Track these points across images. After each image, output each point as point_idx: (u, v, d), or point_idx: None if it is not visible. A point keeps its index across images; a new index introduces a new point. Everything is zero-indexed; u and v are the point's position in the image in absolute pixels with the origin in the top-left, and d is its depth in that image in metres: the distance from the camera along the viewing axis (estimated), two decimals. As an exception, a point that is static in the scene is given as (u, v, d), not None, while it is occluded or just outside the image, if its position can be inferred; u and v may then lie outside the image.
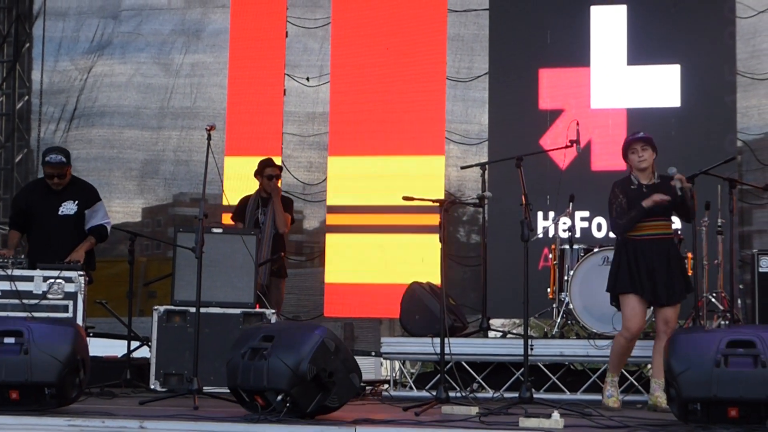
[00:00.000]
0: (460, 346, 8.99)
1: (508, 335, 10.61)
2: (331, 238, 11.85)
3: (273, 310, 9.20)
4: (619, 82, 11.38)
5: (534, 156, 9.86)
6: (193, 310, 8.21)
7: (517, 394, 7.68)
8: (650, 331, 8.76)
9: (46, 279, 8.57)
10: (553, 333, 9.51)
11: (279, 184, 10.32)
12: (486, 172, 10.14)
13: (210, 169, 8.43)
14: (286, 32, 12.28)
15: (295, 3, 12.38)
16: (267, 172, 10.22)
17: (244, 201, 10.32)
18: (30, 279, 8.59)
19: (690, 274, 9.17)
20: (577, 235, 10.42)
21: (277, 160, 11.85)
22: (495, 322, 10.79)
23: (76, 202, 9.30)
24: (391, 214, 11.50)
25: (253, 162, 11.77)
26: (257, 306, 9.18)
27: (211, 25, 12.76)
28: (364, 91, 11.96)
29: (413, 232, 11.24)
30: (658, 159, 7.99)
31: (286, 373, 6.39)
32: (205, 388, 7.66)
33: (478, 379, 9.13)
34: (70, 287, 8.59)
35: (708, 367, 6.03)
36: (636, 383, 8.81)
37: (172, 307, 9.10)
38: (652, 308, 8.15)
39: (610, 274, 8.05)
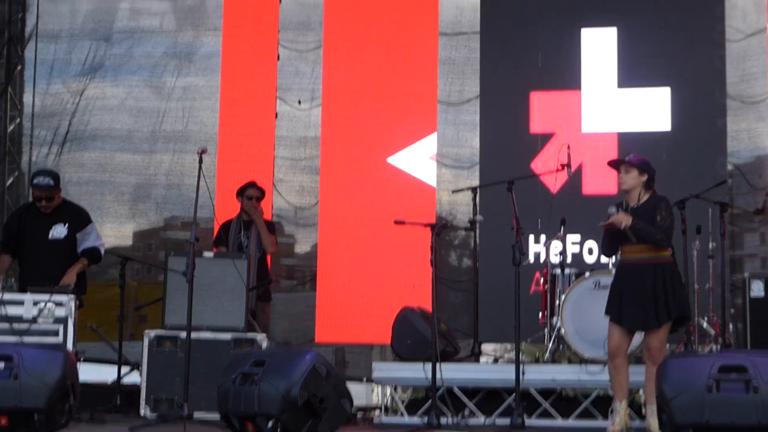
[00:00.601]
0: (452, 372, 8.94)
1: (500, 360, 10.58)
2: (323, 263, 11.82)
3: (264, 335, 9.17)
4: (609, 106, 11.37)
5: (525, 180, 9.85)
6: (183, 334, 8.18)
7: (509, 421, 7.68)
8: (642, 355, 8.72)
9: (36, 303, 8.55)
10: (545, 358, 9.47)
11: (268, 207, 10.33)
12: (477, 195, 10.15)
13: (201, 193, 8.44)
14: (278, 55, 12.28)
15: (287, 26, 12.38)
16: (248, 193, 10.22)
17: (226, 226, 10.27)
18: (20, 303, 8.57)
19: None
20: (569, 259, 10.41)
21: (269, 184, 11.87)
22: (487, 347, 10.76)
23: (67, 225, 9.30)
24: (383, 237, 11.48)
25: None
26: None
27: (203, 48, 12.75)
28: (356, 115, 11.95)
29: (405, 255, 11.21)
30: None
31: (277, 398, 6.39)
32: (195, 413, 7.64)
33: (470, 405, 9.08)
34: (60, 311, 8.56)
35: (700, 393, 6.04)
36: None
37: (163, 332, 9.07)
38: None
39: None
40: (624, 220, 7.67)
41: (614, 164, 8.07)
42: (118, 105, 12.89)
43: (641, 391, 8.49)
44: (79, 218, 9.43)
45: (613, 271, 8.37)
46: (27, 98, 13.08)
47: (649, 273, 7.75)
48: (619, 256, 8.05)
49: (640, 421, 8.15)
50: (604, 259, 10.45)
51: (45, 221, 9.32)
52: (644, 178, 7.87)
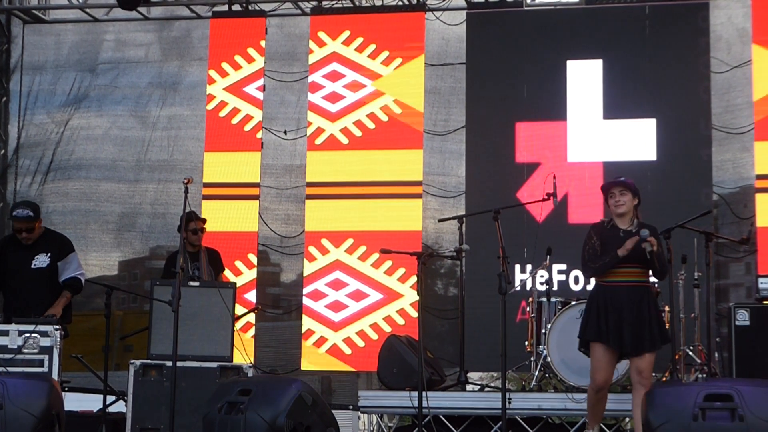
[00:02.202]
0: (438, 400, 8.95)
1: (486, 388, 10.58)
2: (308, 291, 11.83)
3: (250, 364, 9.17)
4: (595, 136, 11.45)
5: (511, 209, 9.90)
6: (169, 363, 8.17)
7: (495, 448, 7.69)
8: (628, 384, 8.75)
9: (21, 333, 8.52)
10: (531, 386, 9.50)
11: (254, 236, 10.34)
12: (463, 224, 10.19)
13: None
14: (264, 85, 12.32)
15: (273, 57, 12.44)
16: (191, 226, 10.16)
17: (172, 258, 10.28)
18: (5, 333, 8.53)
19: (667, 326, 9.20)
20: (555, 288, 10.48)
21: (254, 213, 11.90)
22: (473, 375, 10.78)
23: (49, 254, 9.28)
24: (368, 265, 11.51)
25: (232, 215, 11.84)
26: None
27: (188, 78, 12.80)
28: (342, 144, 11.98)
29: (391, 284, 11.24)
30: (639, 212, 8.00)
31: (263, 427, 6.39)
32: (181, 442, 7.63)
33: (456, 433, 9.11)
34: (45, 341, 8.54)
35: (686, 421, 6.06)
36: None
37: (149, 361, 9.04)
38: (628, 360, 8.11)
39: (582, 319, 8.00)
40: (655, 243, 7.68)
41: (607, 187, 8.05)
42: (102, 135, 12.92)
43: (627, 420, 8.53)
44: (60, 247, 9.42)
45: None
46: (12, 130, 13.09)
47: (640, 296, 7.77)
48: (599, 278, 7.96)
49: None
50: (589, 287, 10.52)
51: (27, 251, 9.30)
52: (636, 201, 7.90)
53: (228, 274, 11.05)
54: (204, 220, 10.39)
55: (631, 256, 7.72)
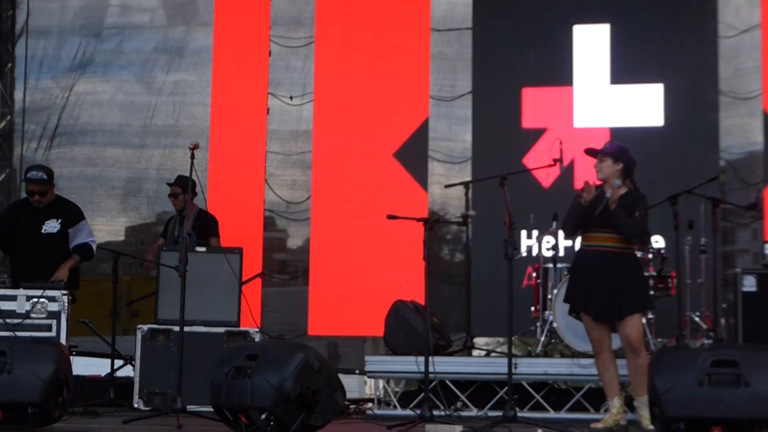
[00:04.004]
0: (444, 365, 9.00)
1: (492, 354, 10.64)
2: (315, 257, 11.87)
3: (257, 329, 9.22)
4: (602, 101, 11.43)
5: (517, 175, 9.89)
6: (176, 328, 8.23)
7: (501, 413, 7.72)
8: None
9: (29, 298, 8.58)
10: (537, 352, 9.54)
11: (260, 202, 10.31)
12: (470, 190, 10.22)
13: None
14: (270, 51, 12.31)
15: (278, 22, 12.41)
16: (170, 191, 10.37)
17: (168, 220, 10.57)
18: (13, 298, 8.59)
19: (673, 293, 9.22)
20: (561, 253, 10.47)
21: (261, 179, 11.91)
22: (479, 341, 10.82)
23: (59, 220, 9.31)
24: (375, 231, 11.52)
25: (238, 180, 11.85)
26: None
27: (194, 44, 12.76)
28: (348, 110, 11.99)
29: (397, 249, 11.26)
30: (643, 177, 7.95)
31: (270, 391, 6.42)
32: (188, 406, 7.68)
33: (462, 397, 9.15)
34: (53, 306, 8.59)
35: (692, 387, 6.08)
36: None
37: (156, 326, 9.11)
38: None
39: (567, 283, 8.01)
40: (614, 199, 7.57)
41: (591, 153, 8.01)
42: (108, 100, 12.90)
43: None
44: (71, 214, 9.45)
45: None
46: (18, 95, 13.08)
47: (613, 261, 7.66)
48: (581, 242, 7.92)
49: (633, 414, 8.21)
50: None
51: (38, 216, 9.34)
52: (619, 166, 7.73)
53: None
54: (180, 186, 10.36)
55: (608, 222, 7.61)
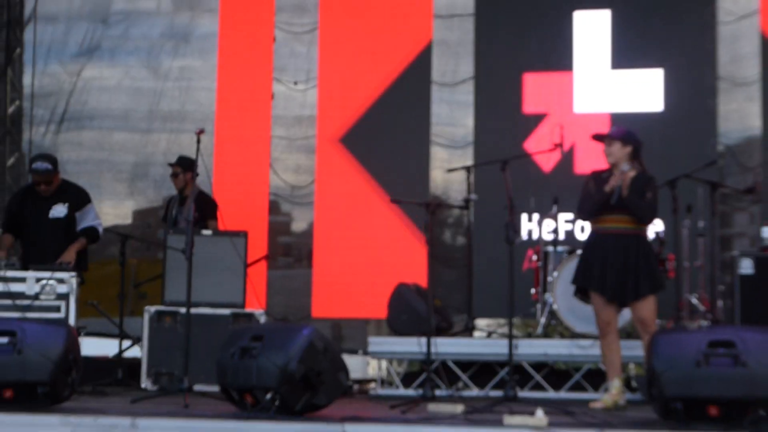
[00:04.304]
0: (446, 346, 9.04)
1: (493, 335, 10.68)
2: (319, 240, 11.91)
3: (262, 311, 9.26)
4: (602, 87, 11.43)
5: (518, 159, 9.91)
6: (183, 310, 8.26)
7: (501, 393, 7.76)
8: (632, 331, 8.80)
9: (38, 280, 8.61)
10: (537, 333, 9.58)
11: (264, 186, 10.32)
12: (471, 174, 10.25)
13: (199, 172, 8.51)
14: (274, 37, 12.32)
15: (283, 8, 12.41)
16: (171, 171, 10.38)
17: (168, 200, 10.60)
18: (23, 280, 8.63)
19: (672, 276, 9.25)
20: (561, 236, 10.52)
21: (265, 163, 11.95)
22: (480, 322, 10.87)
23: (66, 204, 9.37)
24: (378, 215, 11.56)
25: (243, 165, 11.87)
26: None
27: (200, 30, 12.77)
28: (351, 95, 12.00)
29: (400, 233, 11.29)
30: (645, 163, 7.98)
31: (275, 372, 6.45)
32: (195, 386, 7.71)
33: (464, 377, 9.19)
34: (62, 288, 8.63)
35: (689, 367, 6.11)
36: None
37: (163, 308, 9.15)
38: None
39: (576, 266, 8.03)
40: (626, 185, 7.62)
41: (599, 138, 8.02)
42: (115, 85, 12.91)
43: (630, 365, 8.60)
44: (78, 198, 9.51)
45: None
46: (26, 80, 13.10)
47: (627, 243, 7.68)
48: (592, 225, 7.95)
49: (631, 394, 8.25)
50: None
51: (45, 201, 9.39)
52: (628, 149, 7.76)
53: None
54: (181, 166, 10.36)
55: (620, 204, 7.66)
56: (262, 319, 9.11)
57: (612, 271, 7.67)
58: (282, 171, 12.23)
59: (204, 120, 11.95)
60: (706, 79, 11.32)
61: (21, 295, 8.56)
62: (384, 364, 9.58)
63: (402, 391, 9.16)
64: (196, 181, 9.19)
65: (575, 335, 9.19)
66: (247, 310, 9.23)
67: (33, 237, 9.37)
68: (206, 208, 9.98)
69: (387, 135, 11.88)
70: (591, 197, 7.79)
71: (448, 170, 11.20)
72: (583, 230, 11.10)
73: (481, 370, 9.24)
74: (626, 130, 7.91)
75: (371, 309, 11.06)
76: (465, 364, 9.25)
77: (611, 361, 7.84)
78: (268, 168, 12.12)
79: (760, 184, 10.93)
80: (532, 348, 9.09)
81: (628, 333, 9.00)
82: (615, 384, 7.76)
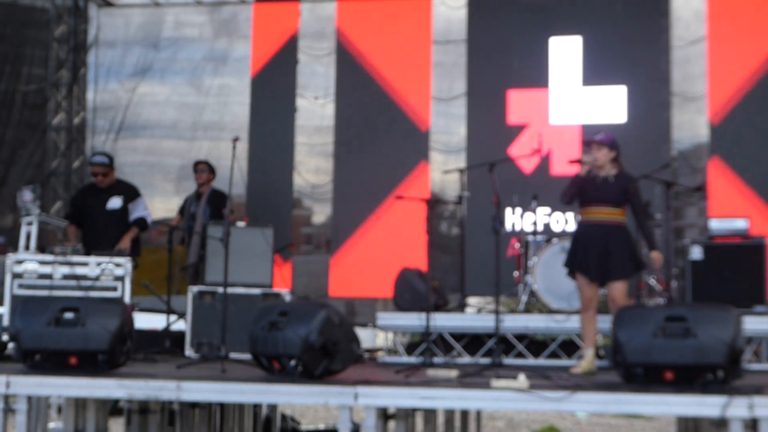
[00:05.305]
0: (443, 320, 9.01)
1: (482, 311, 10.63)
2: (335, 231, 11.90)
3: (288, 290, 9.23)
4: (574, 101, 11.39)
5: (504, 162, 9.87)
6: (221, 290, 8.24)
7: (489, 360, 7.73)
8: (600, 307, 8.74)
9: (99, 264, 8.61)
10: (520, 309, 9.54)
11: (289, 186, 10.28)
12: (464, 175, 10.22)
13: (235, 174, 8.47)
14: (298, 59, 12.30)
15: (305, 35, 12.39)
16: (197, 168, 10.44)
17: (186, 198, 10.61)
18: (86, 264, 8.62)
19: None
20: (540, 228, 10.48)
21: (290, 166, 11.93)
22: (472, 300, 10.82)
23: (121, 197, 9.49)
24: (386, 209, 11.54)
25: (272, 167, 11.85)
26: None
27: (236, 53, 12.75)
28: (363, 108, 11.99)
29: (404, 225, 11.26)
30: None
31: (298, 342, 6.43)
32: (231, 354, 7.70)
33: (458, 347, 9.16)
34: (119, 271, 8.62)
35: (648, 337, 6.08)
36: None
37: (204, 288, 9.13)
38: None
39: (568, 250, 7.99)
40: (596, 165, 7.72)
41: (589, 144, 7.92)
42: (164, 100, 12.91)
43: (599, 336, 8.55)
44: (130, 192, 9.62)
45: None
46: (90, 95, 13.10)
47: (608, 232, 7.67)
48: (580, 216, 7.92)
49: (599, 361, 8.20)
50: (569, 228, 10.55)
51: (103, 195, 9.47)
52: (613, 154, 7.77)
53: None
54: (208, 165, 10.47)
55: (604, 198, 7.67)
56: (287, 298, 9.08)
57: (594, 255, 7.65)
58: (304, 172, 12.22)
59: (239, 129, 11.97)
60: (662, 95, 11.28)
61: (84, 277, 8.55)
62: (390, 335, 9.54)
63: (405, 359, 9.12)
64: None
65: (552, 311, 9.15)
66: (275, 289, 9.20)
67: (93, 226, 9.43)
68: (220, 203, 10.05)
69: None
70: (572, 185, 7.78)
71: (445, 172, 11.18)
72: (558, 222, 11.07)
73: (472, 341, 9.21)
74: (612, 137, 7.89)
75: (379, 289, 11.02)
76: (458, 336, 9.22)
77: (588, 332, 7.81)
78: (293, 170, 12.11)
79: (707, 183, 10.90)
80: (515, 322, 9.05)
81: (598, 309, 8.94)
82: (589, 352, 7.73)
